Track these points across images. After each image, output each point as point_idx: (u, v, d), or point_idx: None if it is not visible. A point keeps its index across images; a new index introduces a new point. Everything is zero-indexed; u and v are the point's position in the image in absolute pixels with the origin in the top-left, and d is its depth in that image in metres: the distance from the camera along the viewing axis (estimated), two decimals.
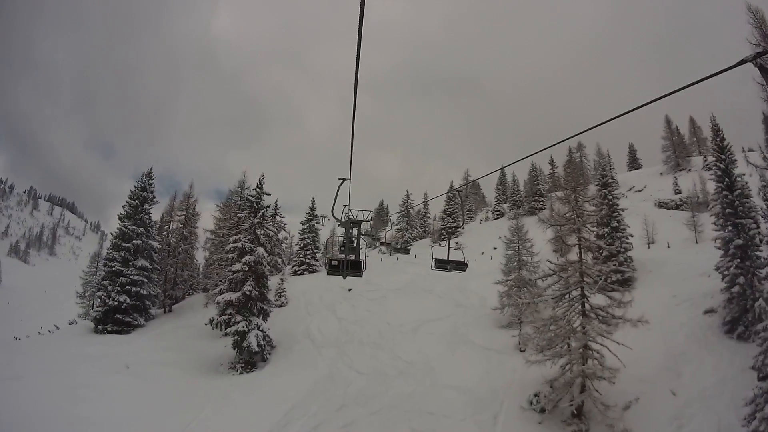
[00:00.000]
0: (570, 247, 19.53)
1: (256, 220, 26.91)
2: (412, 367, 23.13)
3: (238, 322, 24.77)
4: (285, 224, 48.49)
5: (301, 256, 46.82)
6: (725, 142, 23.64)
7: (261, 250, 26.07)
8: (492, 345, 24.40)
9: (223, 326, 25.44)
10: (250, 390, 21.91)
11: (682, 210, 45.90)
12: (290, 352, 25.94)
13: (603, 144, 64.57)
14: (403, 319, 29.02)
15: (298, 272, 45.70)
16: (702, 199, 43.04)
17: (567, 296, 18.95)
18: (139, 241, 34.10)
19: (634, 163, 71.24)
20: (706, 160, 55.34)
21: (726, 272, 20.91)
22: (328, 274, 10.02)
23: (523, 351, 23.27)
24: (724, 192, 22.01)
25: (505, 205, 64.94)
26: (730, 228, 21.25)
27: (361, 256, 10.16)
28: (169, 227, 40.24)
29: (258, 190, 28.04)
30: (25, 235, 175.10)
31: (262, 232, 27.00)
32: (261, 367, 24.94)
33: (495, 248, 43.77)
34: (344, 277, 9.98)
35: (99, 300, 32.57)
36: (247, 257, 25.52)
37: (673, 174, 56.51)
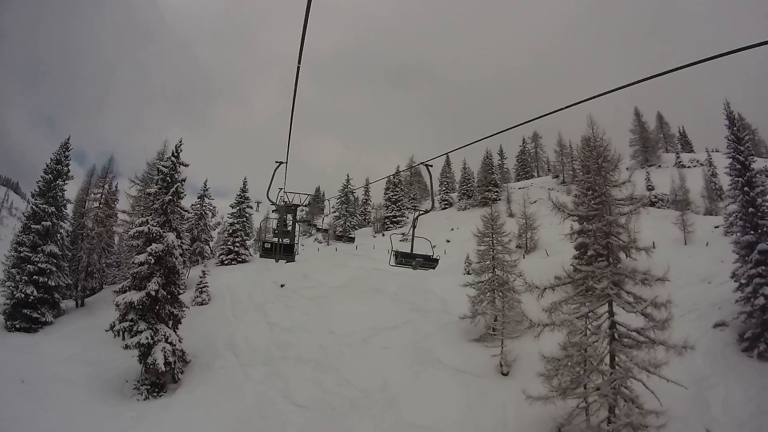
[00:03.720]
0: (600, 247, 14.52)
1: (167, 198, 20.76)
2: (367, 396, 17.90)
3: (141, 332, 18.91)
4: (214, 207, 42.58)
5: (229, 243, 40.33)
6: (742, 133, 20.98)
7: (172, 236, 20.00)
8: (467, 366, 19.52)
9: (125, 335, 19.47)
10: (155, 428, 16.34)
11: (659, 207, 43.38)
12: (208, 371, 20.21)
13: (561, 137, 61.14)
14: (349, 327, 23.54)
15: (225, 262, 39.44)
16: (681, 196, 40.43)
17: (590, 314, 14.30)
18: (49, 223, 28.19)
19: None
20: (678, 157, 55.34)
21: (744, 280, 18.06)
22: (261, 256, 9.97)
23: (506, 374, 18.83)
24: (745, 189, 19.41)
25: (454, 195, 61.14)
26: (750, 230, 18.60)
27: (295, 240, 10.14)
28: (84, 207, 33.75)
29: (173, 159, 21.84)
30: None
31: (176, 213, 20.93)
32: (172, 391, 19.32)
33: (448, 241, 39.52)
34: (276, 261, 10.04)
35: (8, 291, 27.14)
36: (153, 246, 19.49)
37: (643, 169, 54.31)
